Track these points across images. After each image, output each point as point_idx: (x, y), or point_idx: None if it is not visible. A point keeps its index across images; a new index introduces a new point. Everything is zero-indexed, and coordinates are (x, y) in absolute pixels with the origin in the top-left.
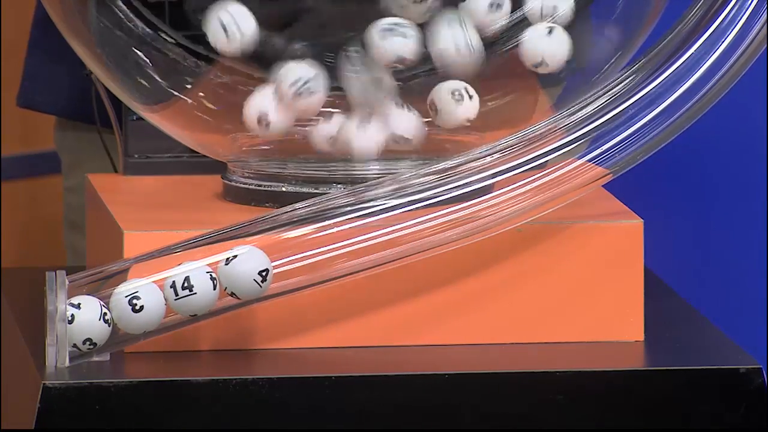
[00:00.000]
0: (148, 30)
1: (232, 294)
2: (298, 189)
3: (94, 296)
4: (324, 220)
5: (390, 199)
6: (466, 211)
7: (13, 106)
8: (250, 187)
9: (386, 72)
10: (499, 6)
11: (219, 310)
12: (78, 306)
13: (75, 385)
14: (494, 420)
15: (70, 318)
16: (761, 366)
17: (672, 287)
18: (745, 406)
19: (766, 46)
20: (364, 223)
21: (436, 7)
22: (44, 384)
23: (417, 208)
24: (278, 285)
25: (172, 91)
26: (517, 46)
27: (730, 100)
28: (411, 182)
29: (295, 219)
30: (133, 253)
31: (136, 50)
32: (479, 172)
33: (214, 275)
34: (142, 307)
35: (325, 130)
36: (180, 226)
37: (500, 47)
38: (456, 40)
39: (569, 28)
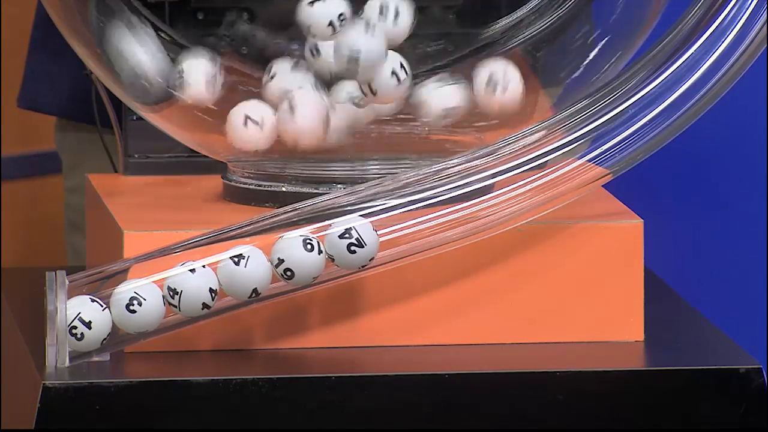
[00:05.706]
0: (148, 30)
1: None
2: (298, 189)
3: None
4: (324, 220)
5: (390, 199)
6: (466, 211)
7: (13, 106)
8: (250, 187)
9: None
10: None
11: (222, 309)
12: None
13: (75, 385)
14: (494, 420)
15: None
16: (761, 366)
17: (672, 287)
18: (745, 406)
19: (766, 46)
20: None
21: None
22: (44, 384)
23: (417, 208)
24: (279, 285)
25: (172, 91)
26: (517, 46)
27: (730, 100)
28: (411, 182)
29: (295, 219)
30: (133, 253)
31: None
32: (479, 172)
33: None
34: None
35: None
36: (180, 226)
37: (500, 47)
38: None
39: (568, 27)
